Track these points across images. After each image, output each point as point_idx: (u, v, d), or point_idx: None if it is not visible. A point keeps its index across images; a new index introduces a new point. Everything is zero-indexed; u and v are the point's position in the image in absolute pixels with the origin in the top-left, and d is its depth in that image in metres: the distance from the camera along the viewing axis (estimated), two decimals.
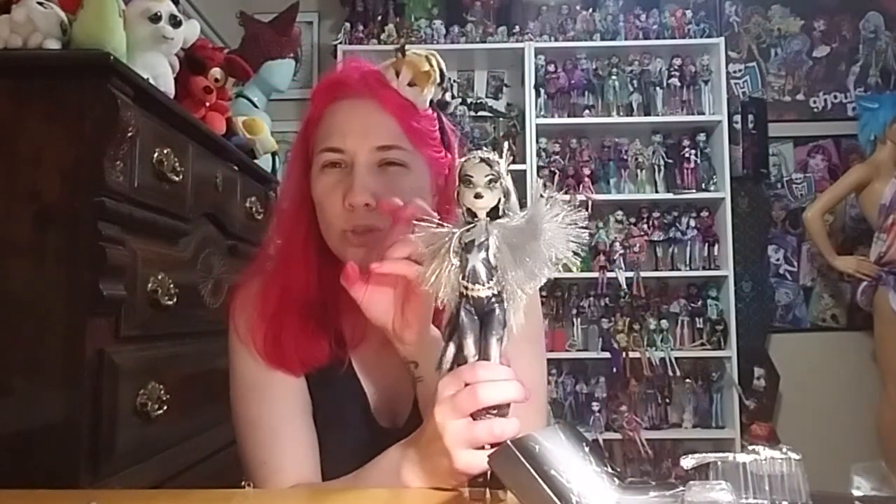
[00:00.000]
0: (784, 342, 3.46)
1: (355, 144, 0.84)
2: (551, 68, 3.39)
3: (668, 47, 3.40)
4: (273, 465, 0.85)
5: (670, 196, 3.33)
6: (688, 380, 3.30)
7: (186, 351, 1.36)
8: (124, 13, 1.23)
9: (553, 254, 0.60)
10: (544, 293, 3.21)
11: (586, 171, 3.32)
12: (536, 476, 0.53)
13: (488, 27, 3.40)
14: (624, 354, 3.22)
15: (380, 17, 3.41)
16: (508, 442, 0.56)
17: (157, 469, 1.22)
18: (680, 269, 3.31)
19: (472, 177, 0.60)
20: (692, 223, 3.33)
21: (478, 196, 0.59)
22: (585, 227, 0.61)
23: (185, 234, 1.38)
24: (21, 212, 1.05)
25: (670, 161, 3.39)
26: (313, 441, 0.89)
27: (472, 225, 0.61)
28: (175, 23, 1.34)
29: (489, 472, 0.62)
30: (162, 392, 1.21)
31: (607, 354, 3.23)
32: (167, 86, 1.35)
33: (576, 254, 0.60)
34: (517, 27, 3.41)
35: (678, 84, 3.38)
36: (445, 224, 0.63)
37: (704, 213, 3.33)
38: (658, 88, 3.40)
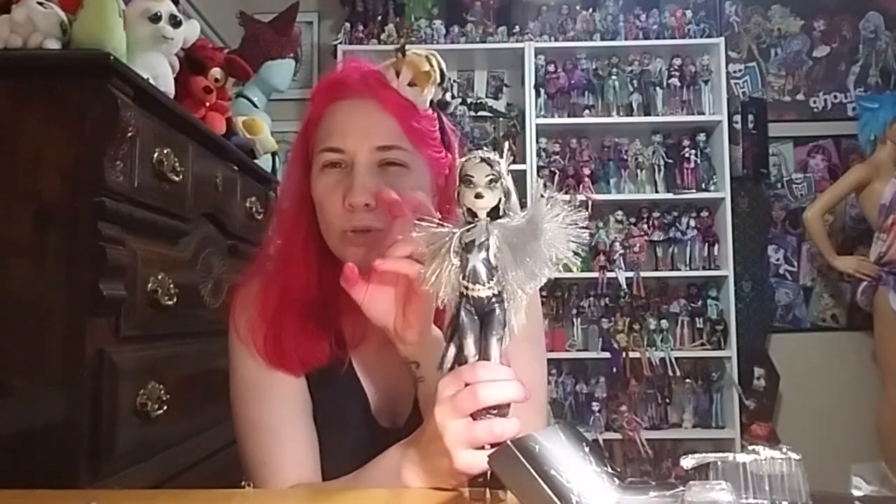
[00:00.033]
0: (784, 342, 3.46)
1: (355, 144, 0.84)
2: (551, 68, 3.39)
3: (668, 47, 3.40)
4: (273, 465, 0.85)
5: (670, 196, 3.33)
6: (688, 380, 3.30)
7: (186, 351, 1.36)
8: (124, 13, 1.23)
9: (553, 254, 0.60)
10: (544, 293, 3.20)
11: (586, 171, 3.32)
12: (536, 476, 0.53)
13: (488, 27, 3.40)
14: (624, 354, 3.21)
15: (380, 17, 3.41)
16: (508, 442, 0.56)
17: (157, 469, 1.22)
18: (680, 269, 3.31)
19: (472, 177, 0.60)
20: (692, 223, 3.33)
21: (478, 196, 0.59)
22: (585, 227, 0.61)
23: (185, 234, 1.38)
24: (21, 212, 1.05)
25: (670, 161, 3.39)
26: (313, 441, 0.89)
27: (472, 225, 0.61)
28: (175, 23, 1.34)
29: (489, 472, 0.62)
30: (162, 392, 1.21)
31: (607, 354, 3.23)
32: (167, 86, 1.35)
33: (576, 254, 0.60)
34: (517, 27, 3.41)
35: (678, 84, 3.38)
36: (446, 224, 0.63)
37: (704, 213, 3.33)
38: (658, 88, 3.40)
